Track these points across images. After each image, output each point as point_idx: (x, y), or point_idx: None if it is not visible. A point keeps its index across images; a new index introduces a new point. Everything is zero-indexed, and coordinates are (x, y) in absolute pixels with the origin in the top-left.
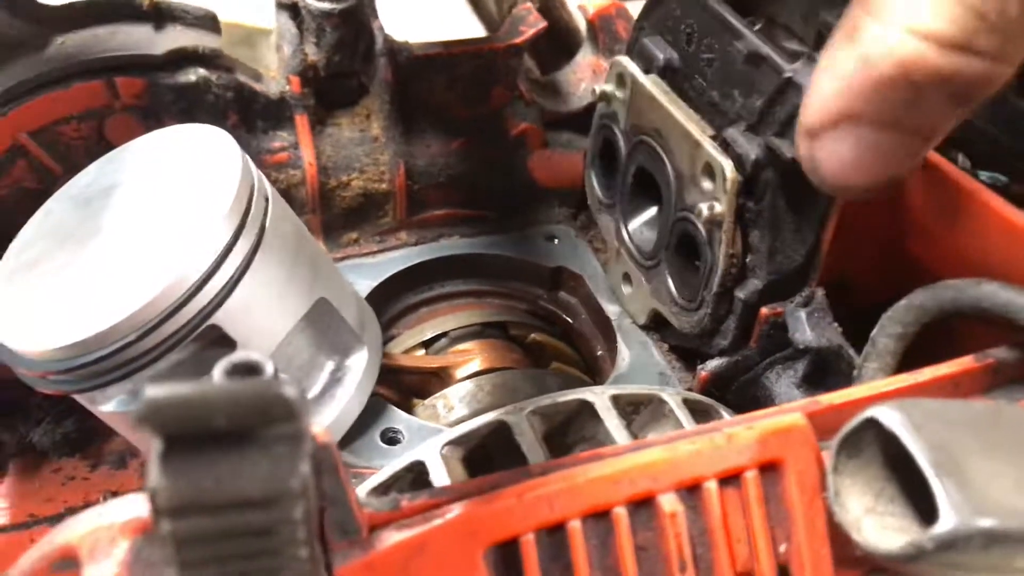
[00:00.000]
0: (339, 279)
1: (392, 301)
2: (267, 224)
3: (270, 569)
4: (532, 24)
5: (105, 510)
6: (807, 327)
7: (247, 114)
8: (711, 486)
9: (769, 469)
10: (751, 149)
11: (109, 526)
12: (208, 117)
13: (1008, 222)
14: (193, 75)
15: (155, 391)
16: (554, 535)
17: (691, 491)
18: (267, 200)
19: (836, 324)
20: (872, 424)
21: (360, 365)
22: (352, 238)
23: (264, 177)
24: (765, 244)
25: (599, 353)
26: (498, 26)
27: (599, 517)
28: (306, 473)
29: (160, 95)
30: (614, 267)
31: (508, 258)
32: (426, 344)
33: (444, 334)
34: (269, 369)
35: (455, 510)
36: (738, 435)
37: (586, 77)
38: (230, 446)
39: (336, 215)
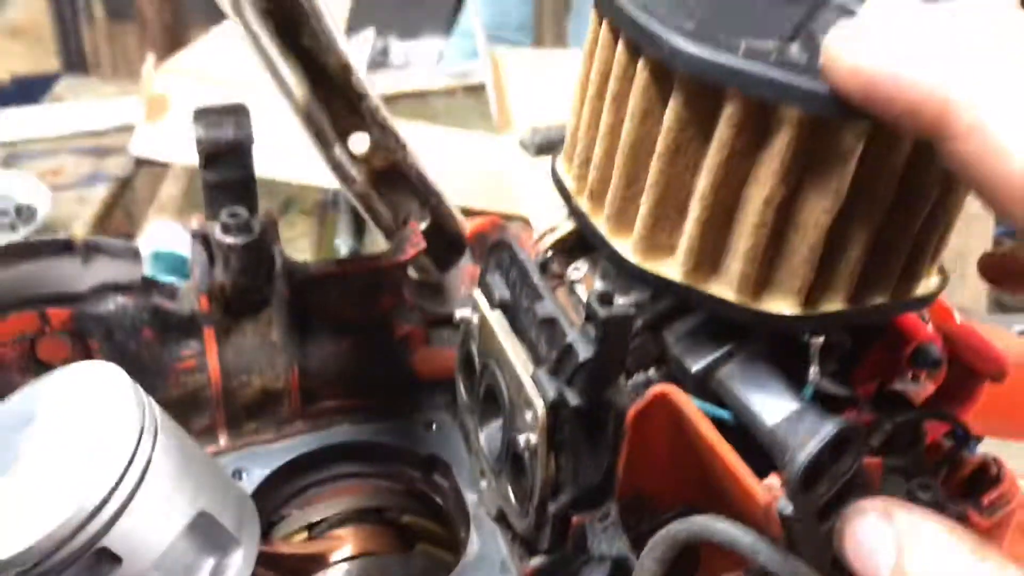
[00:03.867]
0: (222, 487)
1: (286, 484)
2: (153, 457)
3: None
4: (415, 244)
5: None
6: (601, 540)
7: (162, 329)
8: None
9: None
10: (550, 391)
11: None
12: (126, 335)
13: (738, 478)
14: (112, 304)
15: None
16: None
17: None
18: (155, 435)
19: (625, 536)
20: None
21: (237, 562)
22: (252, 428)
23: (155, 406)
24: (570, 466)
25: (462, 536)
26: (392, 233)
27: None
28: None
29: (84, 322)
30: (474, 463)
31: (388, 444)
32: (311, 527)
33: (323, 520)
34: None
35: None
36: None
37: (465, 283)
38: None
39: (238, 409)
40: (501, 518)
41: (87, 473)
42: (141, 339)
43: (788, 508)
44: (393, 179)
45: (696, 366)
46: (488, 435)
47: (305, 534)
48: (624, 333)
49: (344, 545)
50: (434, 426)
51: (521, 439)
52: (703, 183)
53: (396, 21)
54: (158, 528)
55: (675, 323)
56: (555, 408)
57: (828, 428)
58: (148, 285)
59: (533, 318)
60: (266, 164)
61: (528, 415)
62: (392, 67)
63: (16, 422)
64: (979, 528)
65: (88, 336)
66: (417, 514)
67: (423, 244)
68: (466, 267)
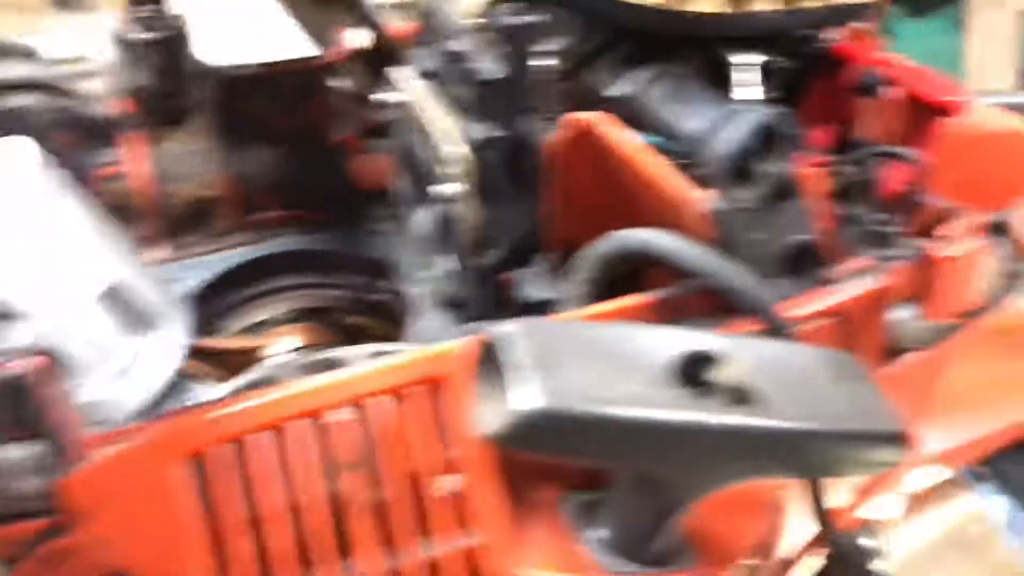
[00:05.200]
0: (141, 272)
1: (225, 295)
2: (58, 220)
3: None
4: (341, 45)
5: None
6: (532, 285)
7: (78, 134)
8: (377, 401)
9: (434, 386)
10: (473, 132)
11: None
12: (38, 137)
13: (663, 183)
14: (20, 100)
15: None
16: (239, 448)
17: (359, 406)
18: (61, 198)
19: (558, 283)
20: (487, 344)
21: (162, 345)
22: (190, 241)
23: (65, 177)
24: (496, 216)
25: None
26: (321, 44)
27: (277, 430)
28: None
29: None
30: (414, 255)
31: (332, 251)
32: (251, 329)
33: (266, 320)
34: None
35: (156, 430)
36: (404, 359)
37: None
38: None
39: (173, 220)
40: (443, 303)
41: None
42: (52, 142)
43: (714, 202)
44: None
45: (620, 91)
46: (421, 219)
47: (245, 336)
48: (526, 47)
49: (282, 339)
50: (377, 235)
51: (446, 189)
52: None
53: None
54: (65, 291)
55: (599, 61)
56: (479, 147)
57: (755, 116)
58: (62, 87)
59: (452, 65)
60: None
61: (453, 168)
62: None
63: None
64: (935, 264)
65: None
66: (364, 316)
67: (349, 46)
68: None
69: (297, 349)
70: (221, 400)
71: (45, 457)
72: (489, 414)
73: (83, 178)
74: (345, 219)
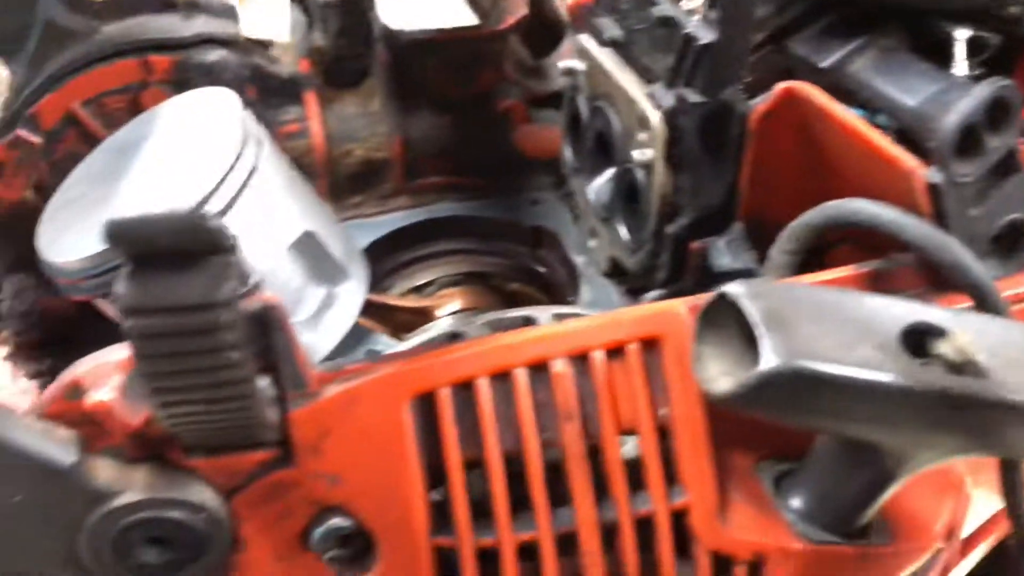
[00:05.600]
0: (329, 221)
1: (389, 256)
2: (258, 165)
3: (209, 367)
4: (514, 13)
5: (103, 354)
6: (724, 254)
7: (262, 91)
8: (597, 355)
9: (650, 344)
10: (666, 100)
11: (107, 363)
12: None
13: (882, 154)
14: (215, 55)
15: (115, 219)
16: (466, 391)
17: (583, 359)
18: (261, 146)
19: (754, 252)
20: (724, 300)
21: (347, 295)
22: (356, 202)
23: (262, 129)
24: (689, 184)
25: (570, 300)
26: (487, 15)
27: (503, 377)
28: (231, 290)
29: (186, 71)
30: (583, 224)
31: (493, 219)
32: (417, 290)
33: (432, 282)
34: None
35: (385, 369)
36: (622, 315)
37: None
38: (176, 268)
39: (341, 180)
40: (612, 272)
41: (196, 174)
42: (244, 96)
43: (937, 176)
44: None
45: (826, 62)
46: (597, 187)
47: (413, 296)
48: (748, 12)
49: (452, 301)
50: (537, 204)
51: (637, 155)
52: None
53: None
54: (263, 237)
55: (801, 31)
56: (673, 115)
57: (983, 89)
58: (248, 44)
59: (649, 32)
60: None
61: (642, 135)
62: None
63: (137, 138)
64: None
65: (190, 87)
66: (523, 283)
67: (523, 11)
68: (569, 47)
69: (462, 311)
70: (444, 345)
71: (280, 389)
72: (719, 373)
73: (270, 133)
74: (507, 187)
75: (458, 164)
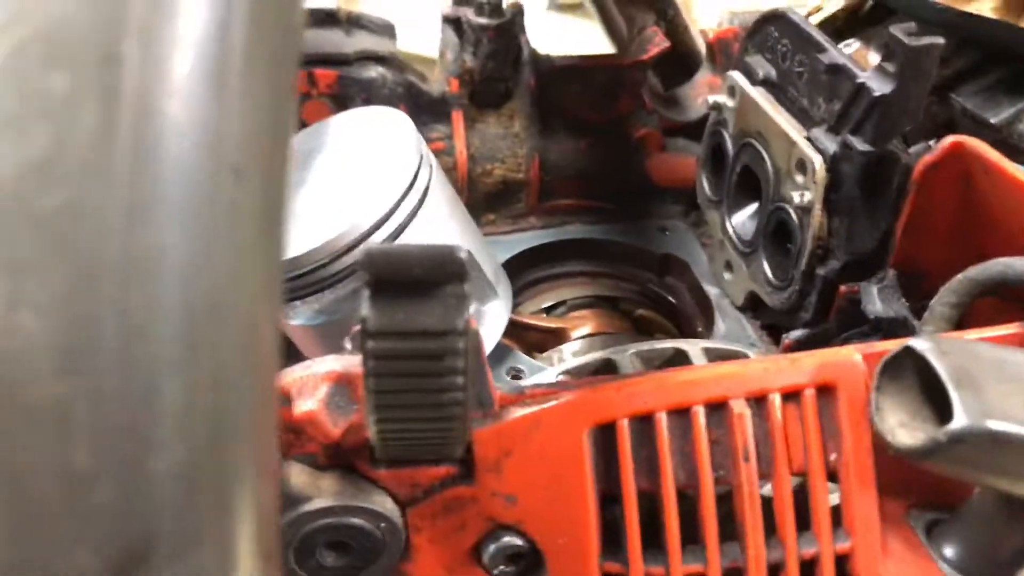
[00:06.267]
0: (482, 241)
1: (519, 275)
2: (430, 185)
3: (436, 388)
4: (657, 44)
5: (312, 364)
6: (877, 300)
7: (413, 108)
8: (775, 397)
9: (825, 391)
10: (831, 145)
11: (314, 374)
12: (383, 104)
13: None
14: (374, 72)
15: (372, 248)
16: (644, 423)
17: (759, 401)
18: (431, 167)
19: (904, 301)
20: (910, 353)
21: (494, 313)
22: (490, 219)
23: (428, 148)
24: (844, 228)
25: (699, 330)
26: (627, 46)
27: (681, 413)
28: (467, 320)
29: (348, 86)
30: (718, 256)
31: (623, 244)
32: (546, 311)
33: (562, 302)
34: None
35: (566, 396)
36: (801, 360)
37: (703, 92)
38: (417, 295)
39: (479, 198)
40: (747, 307)
41: (373, 192)
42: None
43: None
44: None
45: (997, 117)
46: (739, 221)
47: (542, 316)
48: (929, 67)
49: (585, 324)
50: (666, 232)
51: (796, 197)
52: None
53: None
54: None
55: (967, 84)
56: (836, 161)
57: None
58: (403, 62)
59: (811, 76)
60: None
61: (800, 178)
62: None
63: (308, 149)
64: None
65: (349, 102)
66: (650, 309)
67: (666, 43)
68: (704, 78)
69: (593, 335)
70: (624, 377)
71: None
72: (898, 425)
73: None
74: (636, 213)
75: (590, 187)
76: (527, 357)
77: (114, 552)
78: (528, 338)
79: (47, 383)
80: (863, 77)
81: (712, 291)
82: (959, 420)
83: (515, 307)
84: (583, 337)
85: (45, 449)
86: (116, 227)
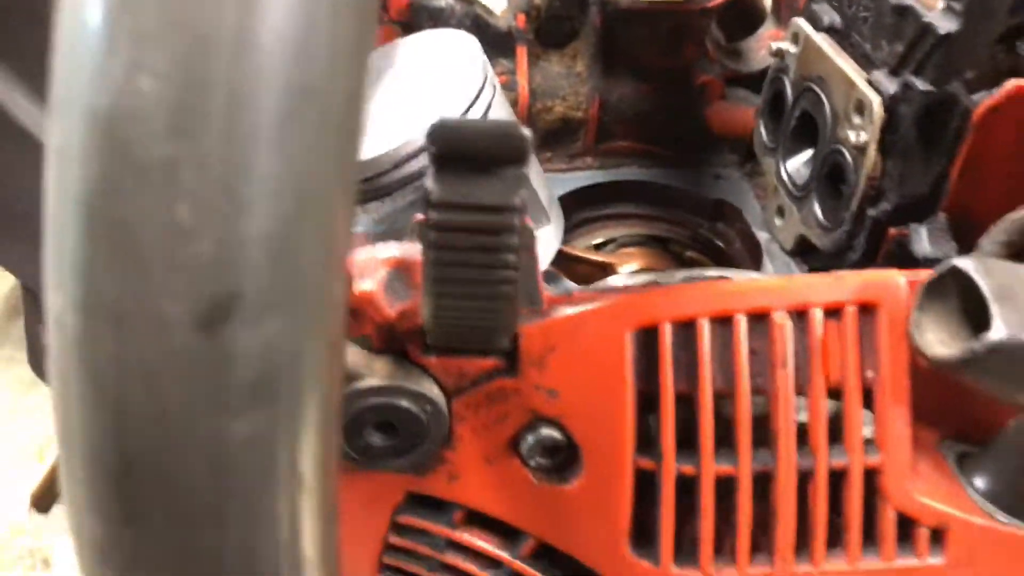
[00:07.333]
0: (538, 166)
1: (572, 213)
2: (492, 104)
3: (490, 263)
4: None
5: (373, 249)
6: (926, 241)
7: (479, 40)
8: (816, 312)
9: (867, 309)
10: (890, 87)
11: (375, 258)
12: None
13: None
14: (443, 1)
15: (439, 122)
16: (687, 329)
17: (800, 314)
18: (495, 88)
19: (954, 244)
20: (954, 273)
21: (544, 237)
22: (546, 156)
23: (492, 70)
24: (898, 170)
25: None
26: None
27: (723, 321)
28: (523, 198)
29: (417, 14)
30: (770, 202)
31: (676, 188)
32: (596, 247)
33: (612, 240)
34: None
35: (611, 299)
36: (845, 278)
37: (765, 46)
38: (478, 173)
39: (537, 135)
40: (796, 251)
41: (435, 106)
42: None
43: None
44: None
45: None
46: (794, 167)
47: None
48: (997, 7)
49: (633, 260)
50: (720, 179)
51: (852, 135)
52: None
53: None
54: None
55: None
56: (895, 102)
57: None
58: None
59: (876, 19)
60: None
61: (857, 119)
62: None
63: (379, 67)
64: None
65: (417, 29)
66: (700, 252)
67: None
68: (768, 31)
69: (642, 271)
70: (667, 285)
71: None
72: (937, 341)
73: None
74: (692, 159)
75: (648, 131)
76: (574, 284)
77: (202, 305)
78: (576, 271)
79: (159, 143)
80: (929, 17)
81: (762, 236)
82: (997, 331)
83: (565, 242)
84: (633, 273)
85: (153, 203)
86: (231, 6)
